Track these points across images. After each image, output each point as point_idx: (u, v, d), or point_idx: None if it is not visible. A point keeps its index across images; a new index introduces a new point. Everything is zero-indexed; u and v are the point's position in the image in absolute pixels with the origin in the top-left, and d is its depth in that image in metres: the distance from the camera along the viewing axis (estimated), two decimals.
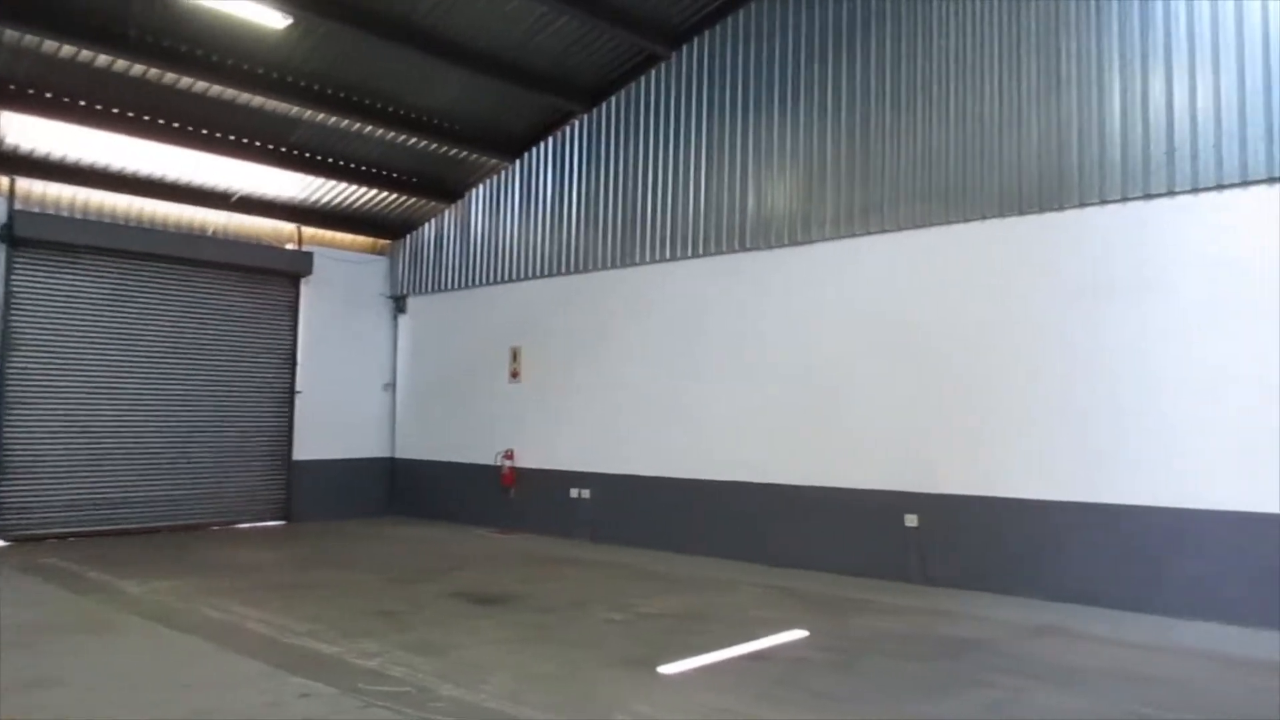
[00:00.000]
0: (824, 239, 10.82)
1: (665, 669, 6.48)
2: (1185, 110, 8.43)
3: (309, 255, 15.05)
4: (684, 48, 12.36)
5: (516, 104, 13.38)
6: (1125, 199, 8.71)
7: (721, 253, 11.79)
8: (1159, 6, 8.63)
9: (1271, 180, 7.94)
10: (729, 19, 11.90)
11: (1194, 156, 8.33)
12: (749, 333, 11.42)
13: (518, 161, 14.49)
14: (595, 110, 13.40)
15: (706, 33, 12.13)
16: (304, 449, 14.87)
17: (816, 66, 11.05)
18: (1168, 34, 8.57)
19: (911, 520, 9.79)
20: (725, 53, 11.96)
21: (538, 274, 14.10)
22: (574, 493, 13.09)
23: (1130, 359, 8.54)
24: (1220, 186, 8.20)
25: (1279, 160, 7.90)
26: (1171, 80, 8.52)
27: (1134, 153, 8.68)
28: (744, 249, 11.57)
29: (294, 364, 14.91)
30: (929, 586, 9.49)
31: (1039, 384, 9.06)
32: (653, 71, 12.71)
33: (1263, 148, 7.98)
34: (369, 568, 10.57)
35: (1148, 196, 8.58)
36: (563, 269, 13.73)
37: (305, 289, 15.09)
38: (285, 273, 14.86)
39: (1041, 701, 5.88)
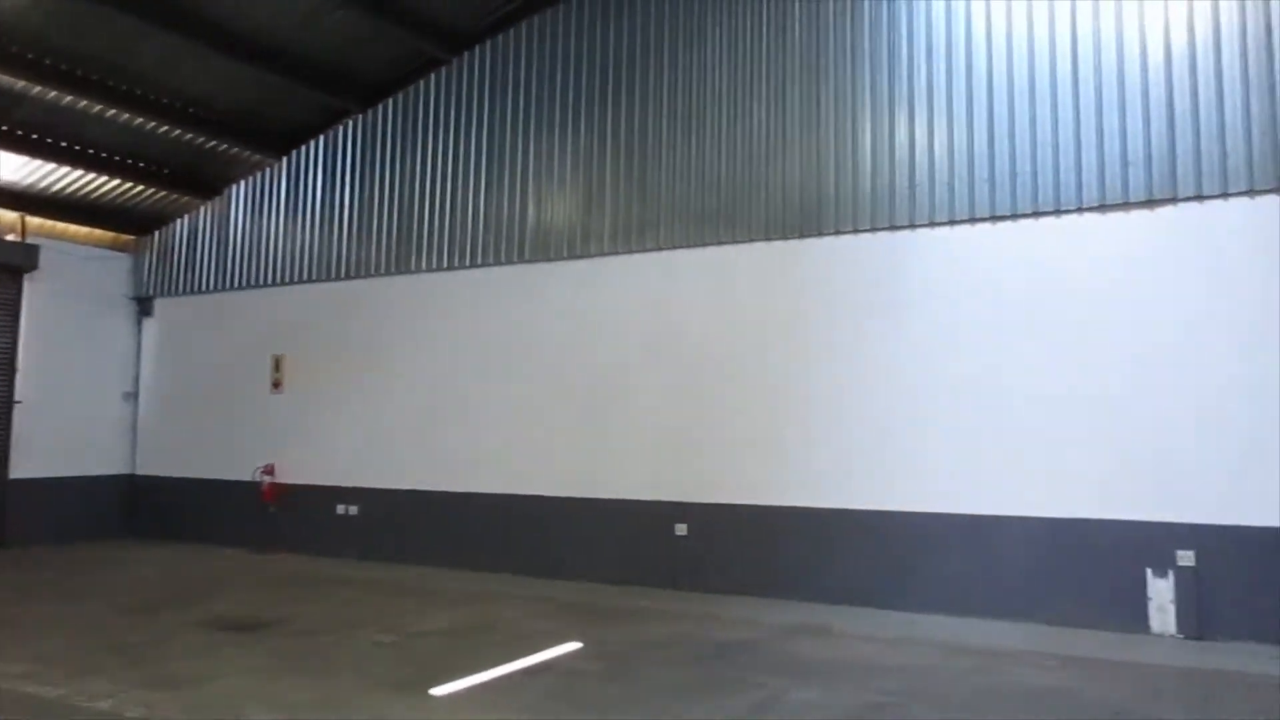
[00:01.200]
0: (603, 254, 11.01)
1: (437, 690, 6.29)
2: (924, 153, 9.34)
3: (34, 248, 13.40)
4: (466, 54, 12.19)
5: (285, 97, 12.63)
6: (874, 229, 9.52)
7: (500, 263, 11.70)
8: (904, 58, 9.52)
9: (994, 218, 8.95)
10: (512, 30, 11.87)
11: (931, 194, 9.25)
12: (525, 345, 11.40)
13: (285, 159, 13.66)
14: (372, 111, 12.91)
15: (489, 41, 12.03)
16: (23, 466, 13.18)
17: (598, 85, 11.26)
18: (910, 84, 9.47)
19: (681, 529, 10.14)
20: (508, 63, 11.91)
21: (305, 278, 13.34)
22: (341, 509, 12.46)
23: (885, 374, 9.31)
24: (952, 222, 9.15)
25: (998, 201, 8.92)
26: (913, 125, 9.42)
27: (882, 187, 9.51)
28: (523, 260, 11.55)
29: (13, 370, 13.19)
30: (700, 593, 9.84)
31: (804, 397, 9.68)
32: (433, 75, 12.44)
33: (985, 190, 8.99)
34: (101, 596, 9.51)
35: (893, 228, 9.43)
36: (333, 274, 13.08)
37: (30, 286, 13.42)
38: (3, 266, 13.14)
39: (796, 698, 6.25)
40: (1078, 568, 8.34)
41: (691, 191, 10.54)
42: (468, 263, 11.94)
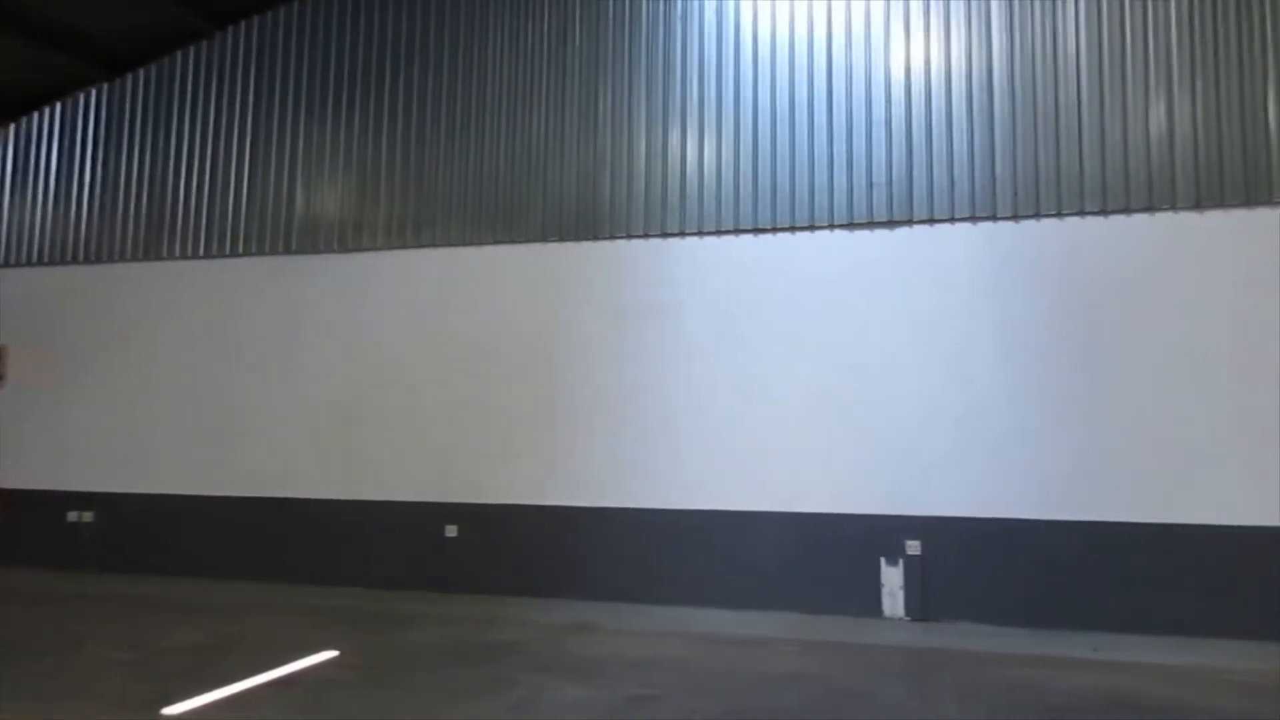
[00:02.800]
0: (376, 248, 10.66)
1: (171, 709, 5.84)
2: (695, 165, 9.75)
3: None
4: (230, 28, 11.41)
5: (12, 58, 11.27)
6: (648, 235, 9.82)
7: (264, 253, 11.04)
8: (679, 74, 9.89)
9: (756, 230, 9.48)
10: (283, 7, 11.24)
11: (701, 204, 9.67)
12: (293, 340, 10.83)
13: (12, 126, 12.21)
14: (120, 81, 11.80)
15: (257, 18, 11.33)
16: None
17: (374, 73, 10.89)
18: (684, 99, 9.86)
19: (452, 531, 10.00)
20: (278, 41, 11.26)
21: (34, 260, 11.98)
22: (73, 516, 11.29)
23: (653, 376, 9.62)
24: (719, 232, 9.61)
25: (760, 214, 9.47)
26: (686, 139, 9.81)
27: (656, 195, 9.83)
28: (289, 251, 10.96)
29: None
30: (471, 595, 9.74)
31: (575, 398, 9.82)
32: (193, 48, 11.55)
33: (750, 203, 9.52)
34: None
35: (665, 235, 9.77)
36: (70, 257, 11.83)
37: None
38: None
39: (561, 695, 6.34)
40: (823, 559, 9.00)
41: (470, 189, 10.42)
42: (228, 251, 11.18)
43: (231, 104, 11.38)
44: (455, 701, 6.15)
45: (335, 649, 7.44)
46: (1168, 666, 7.10)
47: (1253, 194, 8.24)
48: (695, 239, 9.68)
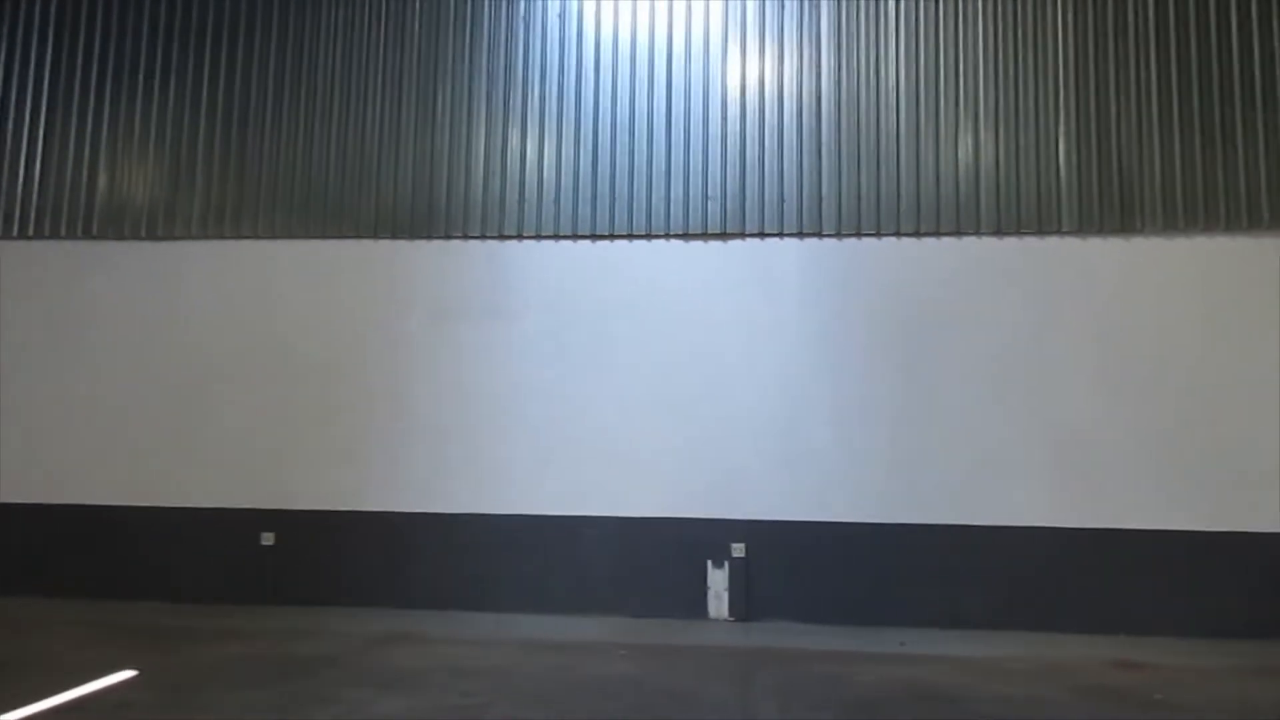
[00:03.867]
0: (189, 237, 9.97)
1: None
2: (535, 168, 9.69)
3: None
4: None
5: None
6: (485, 236, 9.68)
7: (60, 237, 10.09)
8: (520, 75, 9.81)
9: (594, 237, 9.53)
10: None
11: (540, 208, 9.62)
12: (94, 333, 9.94)
13: None
14: None
15: None
16: None
17: (194, 45, 10.18)
18: (525, 101, 9.79)
19: (268, 538, 9.48)
20: (80, 3, 10.33)
21: None
22: None
23: (484, 380, 9.47)
24: (558, 236, 9.59)
25: (599, 220, 9.53)
26: (526, 141, 9.74)
27: (494, 197, 9.70)
28: (90, 236, 10.06)
29: None
30: (289, 606, 9.25)
31: (400, 401, 9.53)
32: None
33: (589, 209, 9.55)
34: None
35: (503, 237, 9.65)
36: None
37: None
38: None
39: (381, 709, 6.11)
40: (650, 563, 9.14)
41: (297, 178, 9.93)
42: (15, 232, 10.14)
43: (25, 66, 10.33)
44: None
45: (134, 668, 6.87)
46: (965, 658, 7.65)
47: (1045, 223, 9.04)
48: (533, 243, 9.62)
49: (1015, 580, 8.77)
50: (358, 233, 9.80)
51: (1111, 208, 8.97)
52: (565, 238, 9.59)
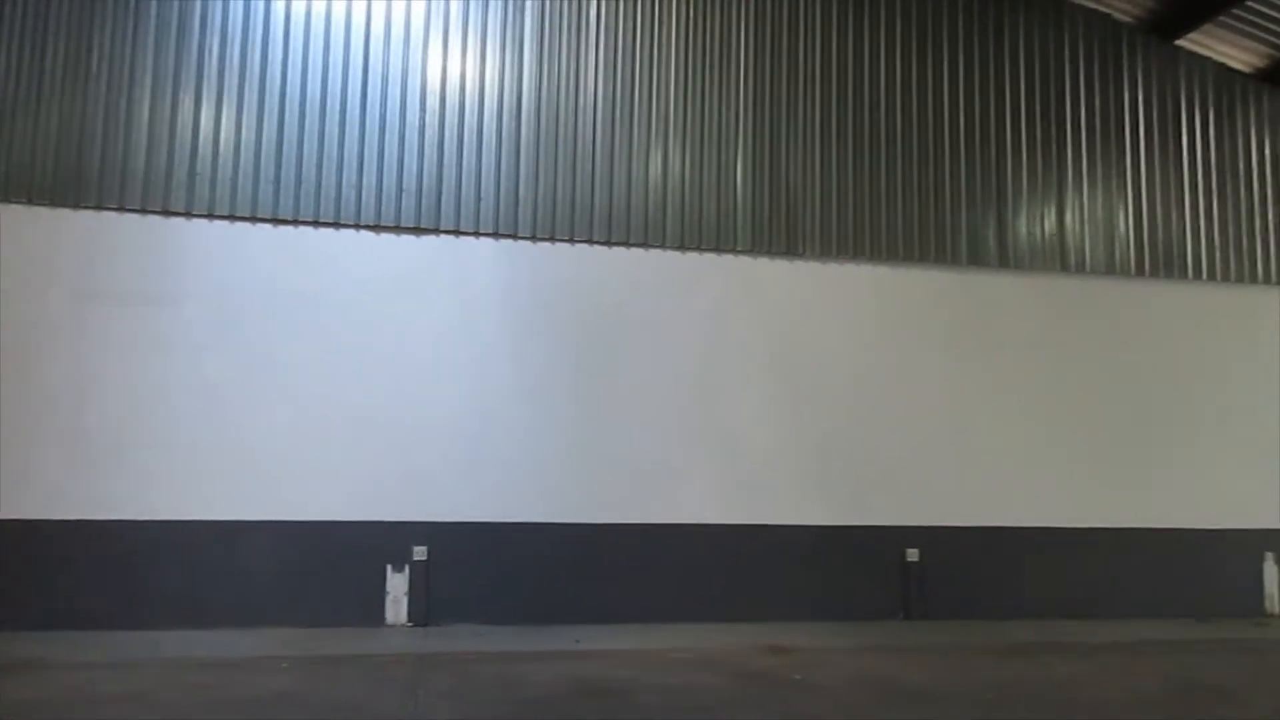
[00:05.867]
0: None
1: None
2: (210, 142, 8.85)
3: None
4: None
5: None
6: (146, 210, 8.68)
7: None
8: (195, 35, 8.91)
9: (275, 220, 8.88)
10: None
11: (214, 185, 8.79)
12: None
13: None
14: None
15: None
16: None
17: None
18: (201, 65, 8.91)
19: None
20: None
21: None
22: None
23: (138, 369, 8.48)
24: (233, 217, 8.82)
25: (282, 204, 8.88)
26: (200, 110, 8.86)
27: (158, 168, 8.73)
28: None
29: None
30: None
31: (33, 391, 8.28)
32: None
33: (270, 191, 8.88)
34: None
35: (167, 213, 8.72)
36: None
37: None
38: None
39: None
40: (328, 569, 8.67)
41: None
42: None
43: None
44: None
45: None
46: (635, 651, 7.99)
47: (723, 241, 9.73)
48: (203, 222, 8.78)
49: (685, 575, 9.32)
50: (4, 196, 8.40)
51: (779, 232, 9.83)
52: (241, 219, 8.84)
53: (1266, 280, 11.01)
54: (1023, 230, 10.42)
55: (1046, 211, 10.52)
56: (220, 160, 8.84)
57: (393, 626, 8.70)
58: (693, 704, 6.47)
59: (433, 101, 9.32)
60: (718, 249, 9.73)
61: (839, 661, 7.80)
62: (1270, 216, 11.07)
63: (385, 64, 9.25)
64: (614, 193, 9.55)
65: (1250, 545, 10.62)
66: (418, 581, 8.78)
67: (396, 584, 8.76)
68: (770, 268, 9.84)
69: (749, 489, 9.53)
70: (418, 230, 9.16)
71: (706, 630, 8.89)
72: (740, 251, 9.78)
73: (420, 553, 8.81)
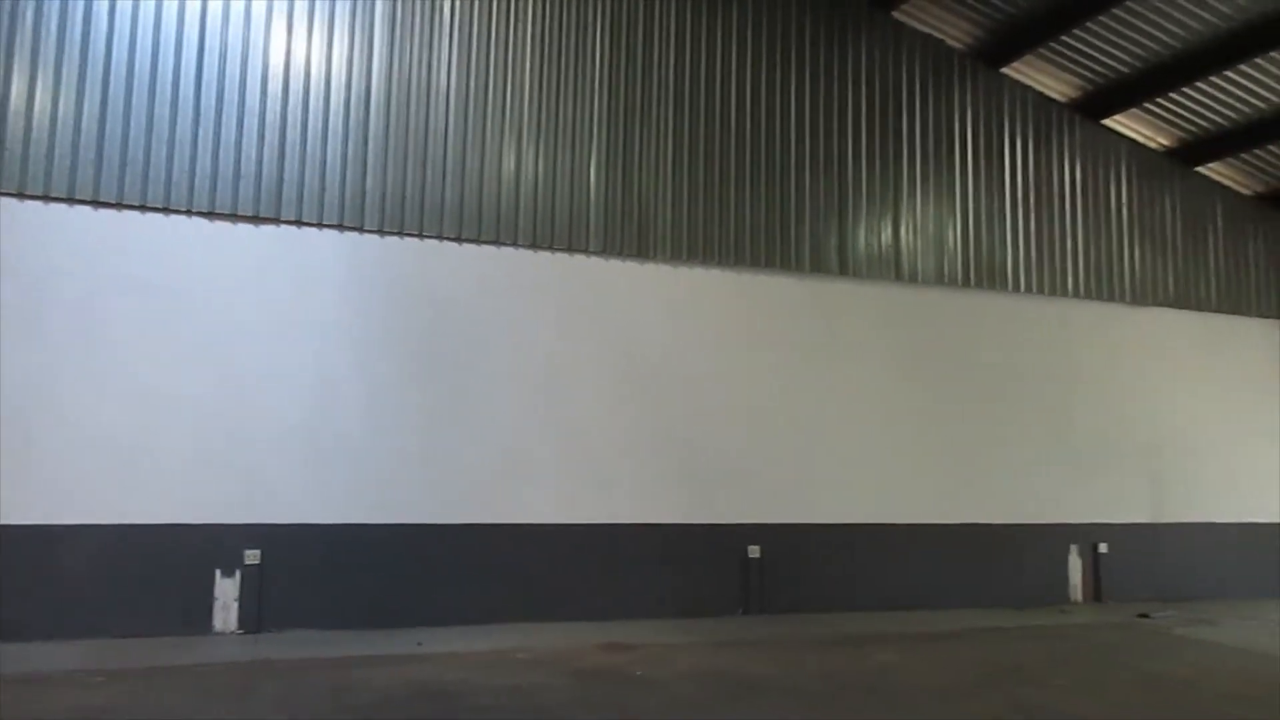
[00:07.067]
0: None
1: None
2: (22, 113, 8.16)
3: None
4: None
5: None
6: None
7: None
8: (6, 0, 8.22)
9: (96, 203, 8.29)
10: None
11: (25, 160, 8.13)
12: None
13: None
14: None
15: None
16: None
17: None
18: (13, 28, 8.20)
19: None
20: None
21: None
22: None
23: None
24: (48, 197, 8.18)
25: (104, 185, 8.29)
26: (11, 74, 8.16)
27: None
28: None
29: None
30: None
31: None
32: None
33: (92, 171, 8.28)
34: None
35: None
36: None
37: None
38: None
39: None
40: (151, 576, 8.17)
41: None
42: None
43: None
44: None
45: None
46: (477, 652, 7.91)
47: (575, 242, 9.76)
48: (13, 201, 8.10)
49: (530, 575, 9.30)
50: None
51: (631, 234, 9.95)
52: (57, 200, 8.21)
53: (1076, 294, 11.96)
54: (861, 240, 10.94)
55: (884, 224, 11.08)
56: (33, 136, 8.18)
57: (222, 634, 8.29)
58: (532, 704, 6.47)
59: (275, 86, 8.93)
60: (569, 249, 9.75)
61: (679, 657, 7.97)
62: (1080, 236, 12.04)
63: (223, 43, 8.80)
64: (465, 188, 9.42)
65: (1058, 538, 11.53)
66: (250, 586, 8.40)
67: (226, 589, 8.35)
68: (621, 269, 9.94)
69: (596, 488, 9.60)
70: (256, 219, 8.76)
71: (551, 630, 8.90)
72: (592, 252, 9.83)
73: (253, 556, 8.43)
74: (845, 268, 10.84)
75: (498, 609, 9.12)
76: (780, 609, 10.09)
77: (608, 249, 9.86)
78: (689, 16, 10.42)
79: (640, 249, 9.98)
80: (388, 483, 8.91)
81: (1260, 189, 13.07)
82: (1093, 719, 6.45)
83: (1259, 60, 10.41)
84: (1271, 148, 12.05)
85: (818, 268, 10.71)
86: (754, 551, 10.11)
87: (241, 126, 8.77)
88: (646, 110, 10.17)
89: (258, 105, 8.85)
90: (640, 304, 9.98)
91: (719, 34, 10.53)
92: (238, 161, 8.72)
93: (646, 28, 10.25)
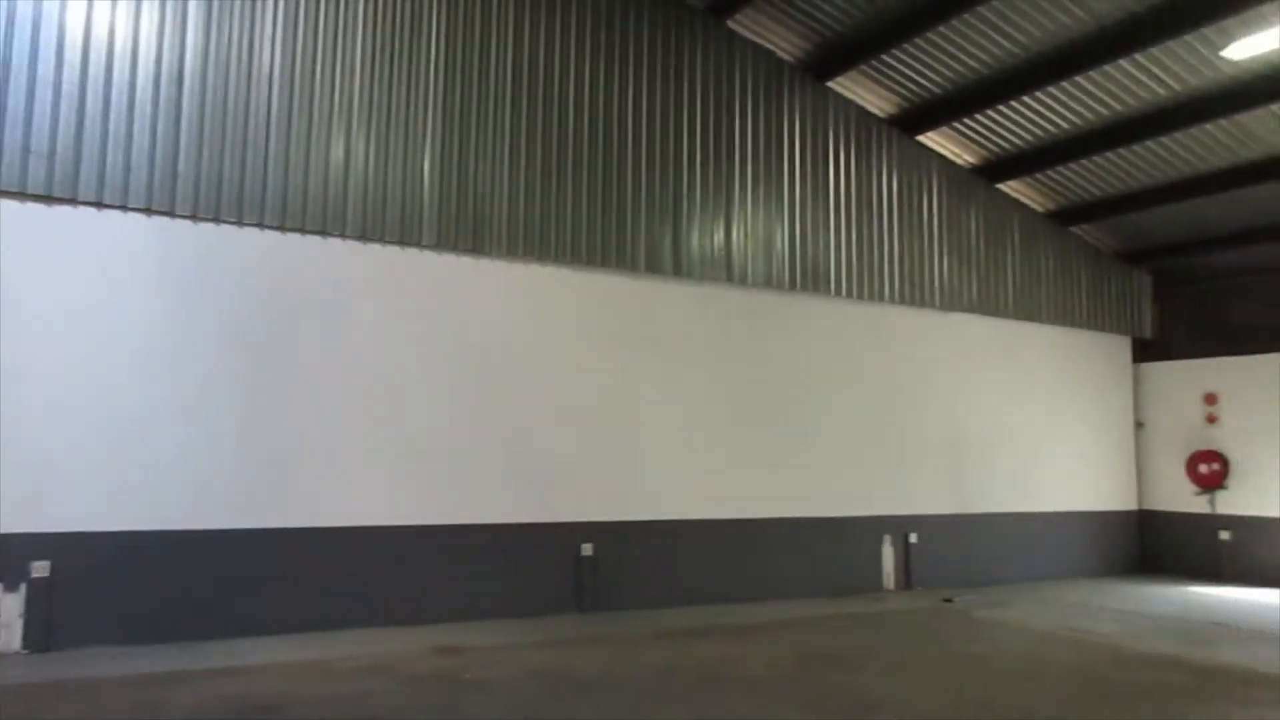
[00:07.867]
0: None
1: None
2: None
3: None
4: None
5: None
6: None
7: None
8: None
9: None
10: None
11: None
12: None
13: None
14: None
15: None
16: None
17: None
18: None
19: None
20: None
21: None
22: None
23: None
24: None
25: None
26: None
27: None
28: None
29: None
30: None
31: None
32: None
33: None
34: None
35: None
36: None
37: None
38: None
39: None
40: None
41: None
42: None
43: None
44: None
45: None
46: (298, 662, 7.54)
47: (407, 235, 9.46)
48: None
49: (356, 579, 8.96)
50: None
51: (466, 229, 9.75)
52: None
53: (892, 300, 12.70)
54: (695, 242, 11.19)
55: (716, 227, 11.37)
56: None
57: (4, 655, 7.51)
58: (358, 714, 6.24)
59: (72, 55, 8.16)
60: (401, 242, 9.45)
61: (510, 658, 7.90)
62: (896, 245, 12.79)
63: (10, 5, 7.97)
64: (290, 175, 8.94)
65: (873, 530, 12.22)
66: (37, 602, 7.66)
67: (8, 606, 7.58)
68: (455, 265, 9.73)
69: (426, 488, 9.37)
70: (48, 199, 7.99)
71: (378, 635, 8.62)
72: (425, 246, 9.57)
73: (41, 568, 7.69)
74: (679, 268, 11.05)
75: (323, 617, 8.73)
76: (614, 606, 10.18)
77: (441, 243, 9.62)
78: (527, 12, 10.32)
79: (475, 244, 9.79)
80: (198, 485, 8.35)
81: (1052, 206, 14.31)
82: (896, 698, 6.88)
83: (1051, 89, 11.37)
84: (1061, 169, 13.21)
85: (652, 268, 10.87)
86: (587, 550, 10.15)
87: (32, 98, 7.96)
88: (484, 102, 9.99)
89: (52, 76, 8.06)
90: (474, 301, 9.81)
91: (558, 31, 10.49)
92: (26, 135, 7.92)
93: (484, 20, 10.07)
